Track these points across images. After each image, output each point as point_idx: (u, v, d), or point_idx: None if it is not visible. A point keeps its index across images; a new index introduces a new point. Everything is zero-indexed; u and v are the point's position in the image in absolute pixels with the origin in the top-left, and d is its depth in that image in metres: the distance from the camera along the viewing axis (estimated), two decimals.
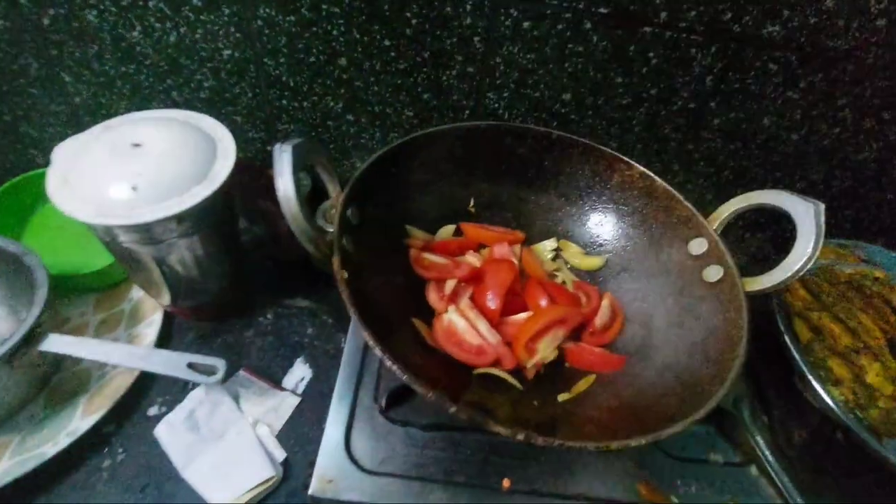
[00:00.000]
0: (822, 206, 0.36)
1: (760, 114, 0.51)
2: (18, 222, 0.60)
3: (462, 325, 0.41)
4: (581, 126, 0.54)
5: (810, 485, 0.42)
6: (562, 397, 0.39)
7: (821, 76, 0.48)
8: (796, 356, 0.43)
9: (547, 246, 0.51)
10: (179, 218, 0.42)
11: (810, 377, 0.41)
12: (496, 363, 0.40)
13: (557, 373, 0.43)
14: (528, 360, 0.41)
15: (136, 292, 0.58)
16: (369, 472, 0.38)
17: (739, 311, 0.37)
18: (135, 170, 0.42)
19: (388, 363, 0.30)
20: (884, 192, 0.57)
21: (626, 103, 0.51)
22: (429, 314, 0.44)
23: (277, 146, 0.32)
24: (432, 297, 0.44)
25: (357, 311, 0.31)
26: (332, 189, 0.40)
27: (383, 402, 0.42)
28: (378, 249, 0.44)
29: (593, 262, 0.50)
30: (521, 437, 0.28)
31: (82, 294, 0.58)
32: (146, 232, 0.43)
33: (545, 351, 0.41)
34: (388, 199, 0.46)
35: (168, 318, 0.57)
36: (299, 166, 0.32)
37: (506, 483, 0.39)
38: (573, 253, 0.51)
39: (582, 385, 0.40)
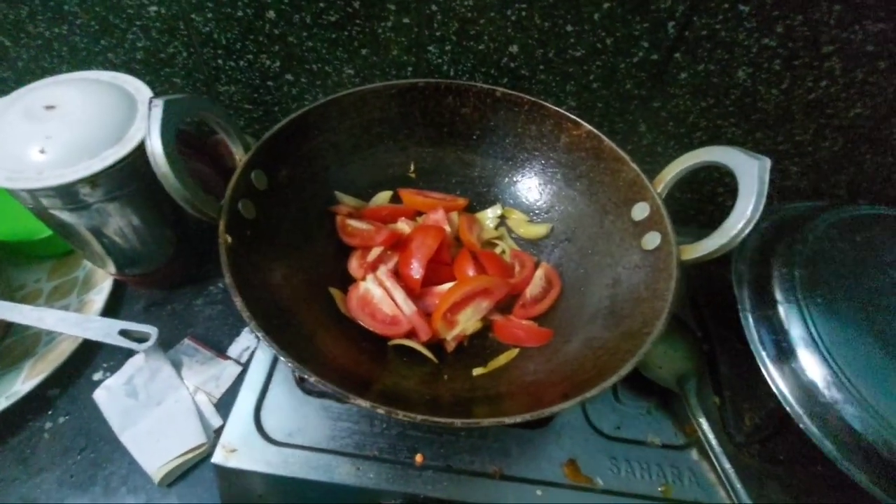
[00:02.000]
0: (768, 162, 0.31)
1: (733, 65, 0.45)
2: None
3: (378, 294, 0.39)
4: (534, 83, 0.49)
5: (755, 471, 0.39)
6: (476, 372, 0.37)
7: (801, 18, 0.42)
8: (751, 335, 0.39)
9: (490, 213, 0.48)
10: (93, 181, 0.41)
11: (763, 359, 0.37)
12: (411, 335, 0.38)
13: (481, 346, 0.40)
14: (447, 332, 0.38)
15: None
16: (276, 443, 0.37)
17: (668, 282, 0.33)
18: (45, 132, 0.41)
19: (253, 328, 0.28)
20: (882, 153, 0.50)
21: (579, 55, 0.46)
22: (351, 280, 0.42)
23: (147, 100, 0.30)
24: (353, 265, 0.42)
25: (234, 279, 0.30)
26: (236, 150, 0.37)
27: (298, 373, 0.40)
28: (299, 216, 0.42)
29: (538, 230, 0.46)
30: (418, 418, 0.26)
31: (38, 262, 0.58)
32: (65, 196, 0.42)
33: (466, 323, 0.39)
34: (309, 164, 0.43)
35: (119, 287, 0.57)
36: (174, 123, 0.30)
37: (419, 458, 0.37)
38: (518, 221, 0.47)
39: (502, 360, 0.38)
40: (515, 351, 0.39)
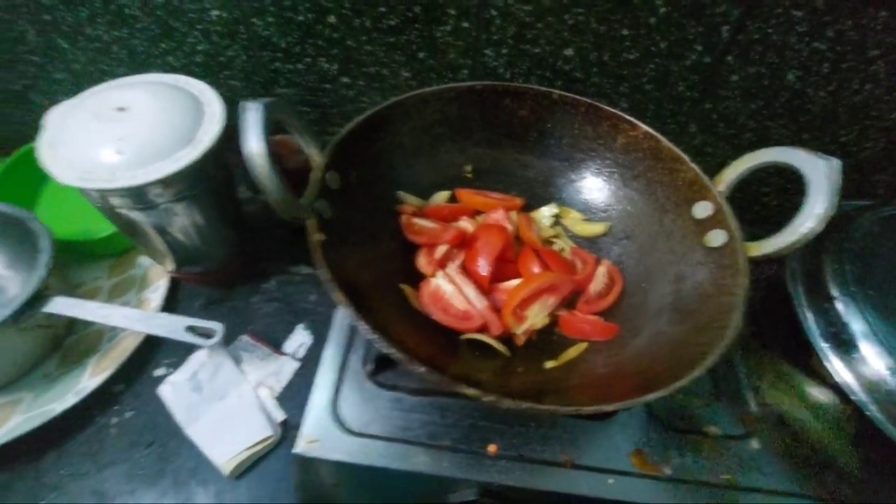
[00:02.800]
0: (838, 163, 0.33)
1: (784, 68, 0.47)
2: (33, 190, 0.61)
3: (449, 290, 0.40)
4: (587, 85, 0.51)
5: (810, 462, 0.40)
6: (548, 364, 0.38)
7: (850, 23, 0.43)
8: (811, 330, 0.41)
9: (545, 212, 0.49)
10: (165, 182, 0.42)
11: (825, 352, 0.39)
12: (483, 329, 0.39)
13: (549, 341, 0.42)
14: (516, 327, 0.40)
15: (148, 259, 0.59)
16: (354, 434, 0.38)
17: (736, 278, 0.34)
18: (119, 134, 0.42)
19: (358, 324, 0.29)
20: None
21: (633, 58, 0.48)
22: (420, 281, 0.43)
23: (242, 104, 0.31)
24: (422, 262, 0.43)
25: (330, 273, 0.31)
26: (311, 152, 0.39)
27: (371, 367, 0.41)
28: (366, 215, 0.43)
29: (595, 228, 0.47)
30: (504, 403, 0.27)
31: (98, 260, 0.60)
32: (135, 196, 0.43)
33: (535, 318, 0.40)
34: (376, 165, 0.44)
35: (175, 284, 0.58)
36: (268, 126, 0.31)
37: (492, 448, 0.38)
38: (573, 219, 0.49)
39: (572, 353, 0.39)
40: (584, 345, 0.40)
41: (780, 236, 0.35)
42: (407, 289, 0.41)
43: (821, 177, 0.33)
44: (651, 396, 0.28)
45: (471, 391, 0.27)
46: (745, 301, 0.33)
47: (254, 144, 0.31)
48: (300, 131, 0.39)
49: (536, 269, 0.42)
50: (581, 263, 0.44)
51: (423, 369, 0.28)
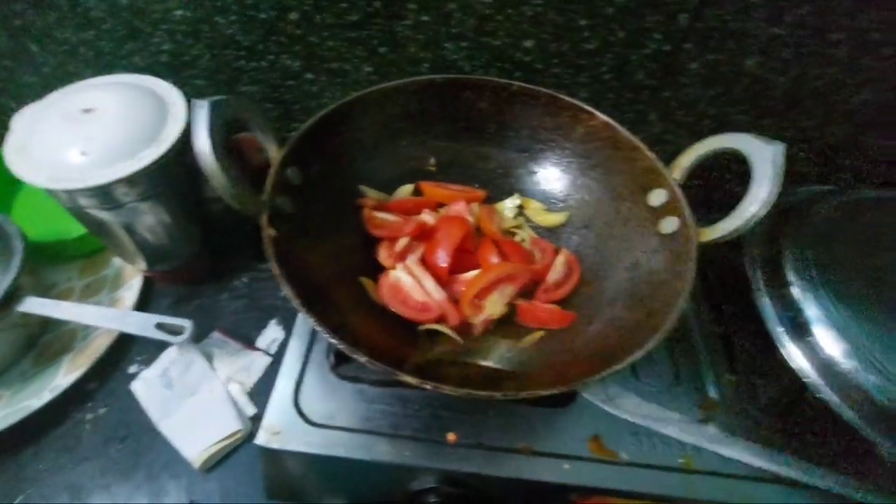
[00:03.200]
0: (782, 147, 0.33)
1: (743, 54, 0.47)
2: (7, 192, 0.62)
3: (408, 282, 0.41)
4: (547, 76, 0.51)
5: (770, 443, 0.41)
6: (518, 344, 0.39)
7: (809, 8, 0.43)
8: (767, 314, 0.41)
9: (508, 204, 0.49)
10: (131, 181, 0.43)
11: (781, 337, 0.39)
12: (441, 319, 0.40)
13: (508, 330, 0.42)
14: (474, 317, 0.40)
15: (119, 259, 0.60)
16: (316, 425, 0.39)
17: (687, 263, 0.35)
18: (85, 135, 0.43)
19: (305, 316, 0.30)
20: (886, 138, 0.52)
21: (592, 48, 0.48)
22: (382, 274, 0.44)
23: (193, 101, 0.32)
24: (382, 255, 0.44)
25: (280, 268, 0.31)
26: (270, 149, 0.39)
27: (333, 359, 0.42)
28: (328, 210, 0.44)
29: (555, 218, 0.48)
30: (443, 389, 0.28)
31: (69, 261, 0.60)
32: (103, 196, 0.44)
33: (493, 307, 0.40)
34: (337, 160, 0.45)
35: (148, 283, 0.59)
36: (219, 122, 0.32)
37: (451, 437, 0.39)
38: (535, 210, 0.49)
39: (527, 340, 0.40)
40: (539, 333, 0.40)
41: (728, 221, 0.35)
42: (366, 282, 0.42)
43: (766, 161, 0.33)
44: (587, 379, 0.29)
45: (411, 379, 0.28)
46: (691, 283, 0.34)
47: (202, 142, 0.31)
48: (259, 128, 0.39)
49: (495, 260, 0.42)
50: (540, 253, 0.45)
51: (364, 358, 0.28)
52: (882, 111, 0.49)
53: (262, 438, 0.38)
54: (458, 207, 0.46)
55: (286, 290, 0.31)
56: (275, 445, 0.38)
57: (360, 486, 0.41)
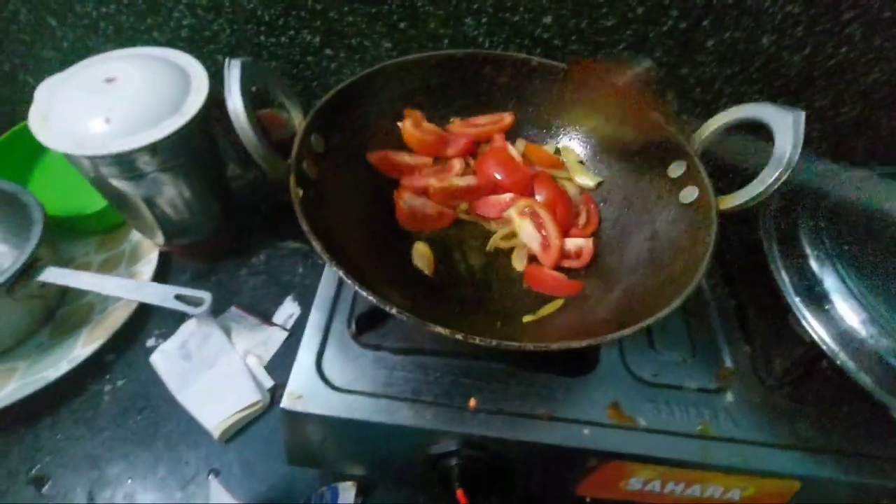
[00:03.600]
0: (803, 114, 0.34)
1: (758, 32, 0.48)
2: (25, 168, 0.62)
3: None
4: (565, 53, 0.51)
5: (786, 411, 0.41)
6: (526, 319, 0.39)
7: None
8: (785, 286, 0.42)
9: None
10: (153, 149, 0.43)
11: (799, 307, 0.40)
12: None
13: (526, 297, 0.43)
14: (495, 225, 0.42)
15: (136, 234, 0.60)
16: (339, 390, 0.39)
17: (709, 230, 0.35)
18: (107, 104, 0.43)
19: (335, 269, 0.30)
20: None
21: (611, 25, 0.48)
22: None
23: (227, 60, 0.32)
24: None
25: (308, 224, 0.32)
26: (295, 117, 0.39)
27: (354, 328, 0.42)
28: (350, 177, 0.44)
29: (589, 180, 0.47)
30: (471, 339, 0.29)
31: (87, 236, 0.61)
32: (125, 164, 0.44)
33: (518, 226, 0.42)
34: (359, 131, 0.45)
35: (165, 259, 0.59)
36: (249, 83, 0.32)
37: (472, 403, 0.39)
38: (573, 164, 0.48)
39: (549, 308, 0.40)
40: (560, 301, 0.41)
41: (749, 188, 0.36)
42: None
43: (787, 127, 0.34)
44: (617, 335, 0.29)
45: (441, 329, 0.28)
46: (713, 249, 0.34)
47: (236, 99, 0.32)
48: (285, 95, 0.40)
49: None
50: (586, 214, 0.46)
51: (393, 309, 0.29)
52: (893, 90, 0.50)
53: (285, 402, 0.38)
54: (499, 144, 0.47)
55: (315, 244, 0.31)
56: (298, 408, 0.38)
57: (380, 451, 0.41)
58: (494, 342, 0.28)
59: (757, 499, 0.40)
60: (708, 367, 0.44)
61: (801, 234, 0.44)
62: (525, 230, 0.44)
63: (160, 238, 0.55)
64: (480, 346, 0.29)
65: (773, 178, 0.34)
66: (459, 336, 0.28)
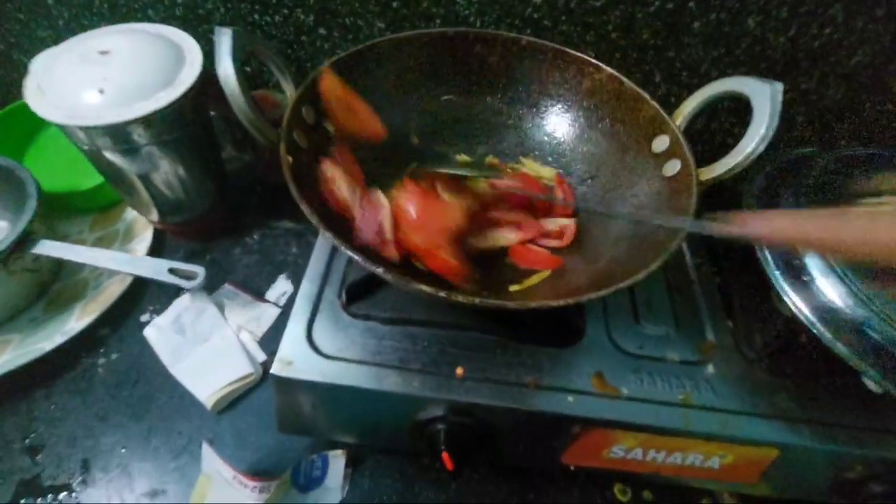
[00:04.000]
0: (780, 86, 0.35)
1: (744, 14, 0.49)
2: (20, 146, 0.63)
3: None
4: (556, 33, 0.52)
5: (765, 383, 0.42)
6: (512, 288, 0.40)
7: None
8: (767, 262, 0.43)
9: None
10: (147, 121, 0.44)
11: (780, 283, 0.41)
12: None
13: (514, 269, 0.43)
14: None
15: (131, 213, 0.61)
16: (328, 357, 0.40)
17: (689, 199, 0.36)
18: (102, 75, 0.44)
19: (323, 230, 0.31)
20: (881, 102, 0.54)
21: (599, 6, 0.49)
22: None
23: (217, 28, 0.33)
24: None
25: (298, 190, 0.33)
26: (286, 87, 0.40)
27: (344, 298, 0.43)
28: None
29: (547, 171, 0.49)
30: (455, 296, 0.29)
31: (81, 214, 0.61)
32: (119, 135, 0.45)
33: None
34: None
35: (159, 237, 0.60)
36: (239, 51, 0.33)
37: (459, 371, 0.40)
38: (532, 165, 0.50)
39: (535, 279, 0.41)
40: (547, 272, 0.42)
41: (728, 158, 0.37)
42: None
43: (765, 99, 0.35)
44: (594, 294, 0.30)
45: (426, 287, 0.29)
46: (693, 214, 0.35)
47: (226, 65, 0.32)
48: (276, 66, 0.40)
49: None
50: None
51: (379, 269, 0.30)
52: (876, 73, 0.51)
53: (275, 368, 0.39)
54: None
55: (303, 206, 0.32)
56: (288, 374, 0.39)
57: (369, 417, 0.42)
58: (477, 300, 0.29)
59: (736, 466, 0.42)
60: (691, 340, 0.45)
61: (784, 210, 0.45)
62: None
63: (155, 215, 0.55)
64: (465, 305, 0.30)
65: (751, 148, 0.35)
66: (443, 294, 0.29)
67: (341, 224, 0.36)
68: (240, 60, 0.34)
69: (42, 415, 0.48)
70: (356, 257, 0.31)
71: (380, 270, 0.30)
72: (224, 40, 0.32)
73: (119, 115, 0.42)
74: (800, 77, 0.52)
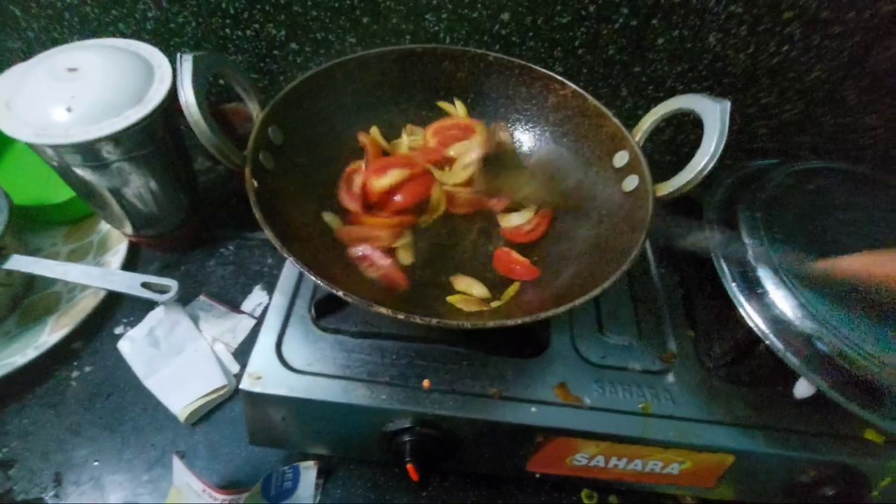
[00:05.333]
0: (728, 104, 0.36)
1: (705, 31, 0.50)
2: None
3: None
4: (524, 49, 0.53)
5: (723, 391, 0.44)
6: (494, 304, 0.42)
7: None
8: (724, 274, 0.44)
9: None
10: (116, 139, 0.44)
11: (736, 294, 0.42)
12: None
13: (489, 283, 0.45)
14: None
15: (105, 225, 0.61)
16: (297, 371, 0.41)
17: (645, 214, 0.38)
18: (70, 92, 0.44)
19: (287, 255, 0.32)
20: (839, 115, 0.55)
21: (565, 22, 0.50)
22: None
23: (178, 55, 0.33)
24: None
25: (262, 214, 0.33)
26: (253, 108, 0.41)
27: (314, 312, 0.44)
28: (308, 170, 0.45)
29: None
30: (433, 321, 0.30)
31: (54, 226, 0.61)
32: (88, 153, 0.45)
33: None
34: (319, 123, 0.46)
35: (133, 249, 0.60)
36: (202, 76, 0.34)
37: (426, 383, 0.41)
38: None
39: (510, 292, 0.43)
40: (517, 284, 0.43)
41: (681, 175, 0.38)
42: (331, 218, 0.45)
43: (714, 117, 0.36)
44: (549, 313, 0.31)
45: (383, 310, 0.30)
46: (647, 231, 0.37)
47: (188, 93, 0.33)
48: (241, 86, 0.41)
49: None
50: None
51: (340, 292, 0.30)
52: (833, 88, 0.53)
53: (245, 383, 0.40)
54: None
55: (267, 232, 0.33)
56: (257, 389, 0.40)
57: (338, 430, 0.43)
58: (434, 321, 0.30)
59: (694, 472, 0.43)
60: (653, 350, 0.46)
61: (740, 224, 0.47)
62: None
63: (128, 228, 0.56)
64: (423, 326, 0.31)
65: (702, 165, 0.36)
66: (401, 316, 0.30)
67: (309, 249, 0.37)
68: (206, 82, 0.34)
69: (15, 429, 0.48)
70: (320, 282, 0.31)
71: (341, 293, 0.31)
72: (186, 67, 0.33)
73: (88, 134, 0.43)
74: (760, 92, 0.54)
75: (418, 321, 0.30)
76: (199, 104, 0.33)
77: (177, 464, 0.42)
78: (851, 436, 0.43)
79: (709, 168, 0.36)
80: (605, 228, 0.42)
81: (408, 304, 0.42)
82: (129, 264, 0.59)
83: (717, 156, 0.36)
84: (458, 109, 0.51)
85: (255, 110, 0.41)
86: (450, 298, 0.43)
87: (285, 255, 0.32)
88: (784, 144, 0.59)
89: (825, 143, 0.59)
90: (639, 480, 0.44)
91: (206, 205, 0.61)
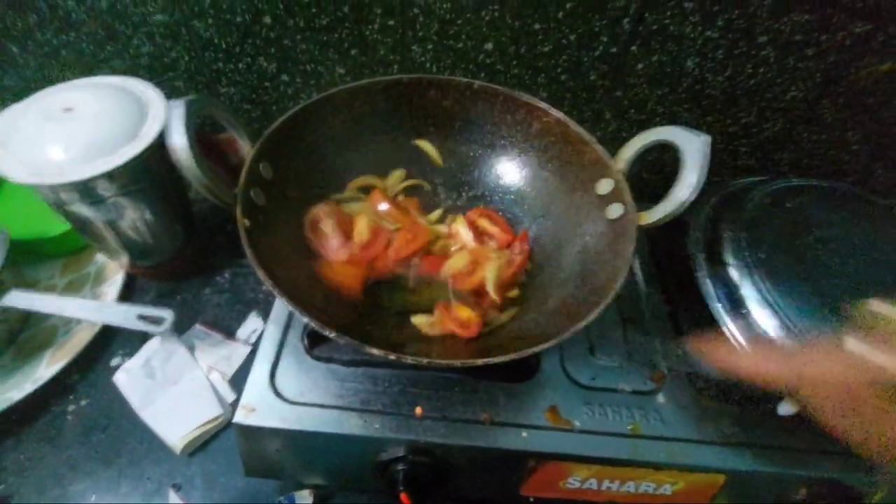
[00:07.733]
0: (708, 138, 0.37)
1: (683, 56, 0.51)
2: None
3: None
4: (509, 77, 0.55)
5: (712, 410, 0.44)
6: (486, 329, 0.43)
7: (737, 12, 0.48)
8: (708, 293, 0.45)
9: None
10: (111, 176, 0.45)
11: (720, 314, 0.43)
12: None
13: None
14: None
15: (101, 256, 0.62)
16: (290, 402, 0.41)
17: (628, 244, 0.38)
18: (66, 133, 0.45)
19: (280, 296, 0.32)
20: (817, 132, 0.57)
21: (547, 51, 0.52)
22: None
23: (168, 102, 0.34)
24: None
25: (254, 254, 0.34)
26: (243, 145, 0.42)
27: (307, 342, 0.45)
28: (300, 204, 0.46)
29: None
30: (424, 360, 0.31)
31: (51, 259, 0.62)
32: (84, 190, 0.46)
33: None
34: (309, 155, 0.48)
35: (130, 280, 0.61)
36: (192, 120, 0.35)
37: (418, 411, 0.42)
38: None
39: (503, 318, 0.43)
40: (512, 311, 0.44)
41: (662, 205, 0.39)
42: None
43: (694, 150, 0.37)
44: (536, 349, 0.32)
45: (376, 350, 0.31)
46: (630, 261, 0.37)
47: (176, 139, 0.34)
48: (230, 125, 0.42)
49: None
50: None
51: (332, 333, 0.31)
52: (810, 107, 0.54)
53: (238, 416, 0.40)
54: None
55: (259, 272, 0.33)
56: (251, 422, 0.40)
57: (332, 460, 0.43)
58: (425, 360, 0.31)
59: (687, 492, 0.43)
60: (642, 370, 0.47)
61: (724, 244, 0.48)
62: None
63: (125, 260, 0.56)
64: (414, 367, 0.31)
65: (685, 197, 0.37)
66: (392, 356, 0.31)
67: (300, 285, 0.38)
68: (195, 125, 0.35)
69: (11, 465, 0.49)
70: (311, 322, 0.32)
71: (333, 335, 0.31)
72: (176, 114, 0.34)
73: (83, 173, 0.43)
74: (740, 112, 0.55)
75: (410, 361, 0.30)
76: (191, 148, 0.34)
77: (173, 497, 0.43)
78: (841, 452, 0.43)
79: (691, 199, 0.37)
80: (589, 255, 0.43)
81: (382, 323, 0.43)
82: (126, 294, 0.59)
83: (699, 188, 0.37)
84: (429, 151, 0.53)
85: (245, 146, 0.42)
86: (414, 320, 0.43)
87: (277, 296, 0.33)
88: (766, 161, 0.60)
89: (806, 159, 0.60)
90: (632, 502, 0.45)
91: (201, 232, 0.62)
